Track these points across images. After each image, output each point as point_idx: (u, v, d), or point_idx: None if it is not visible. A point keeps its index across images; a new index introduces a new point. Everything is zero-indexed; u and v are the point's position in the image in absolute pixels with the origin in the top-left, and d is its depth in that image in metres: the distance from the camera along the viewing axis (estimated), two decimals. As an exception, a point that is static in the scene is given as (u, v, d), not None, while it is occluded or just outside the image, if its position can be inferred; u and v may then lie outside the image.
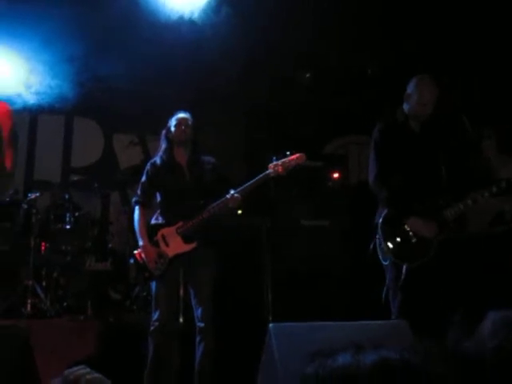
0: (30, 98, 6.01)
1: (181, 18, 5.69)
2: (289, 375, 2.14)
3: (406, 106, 3.99)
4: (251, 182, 4.01)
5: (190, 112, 4.32)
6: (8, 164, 3.28)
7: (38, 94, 6.02)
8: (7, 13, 5.23)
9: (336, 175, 6.66)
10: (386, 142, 3.96)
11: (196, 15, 5.72)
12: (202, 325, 3.97)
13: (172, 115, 4.30)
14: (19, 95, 5.80)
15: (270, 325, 2.35)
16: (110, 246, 5.92)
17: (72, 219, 5.64)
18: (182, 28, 5.72)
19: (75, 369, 1.40)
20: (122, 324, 5.15)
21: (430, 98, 3.88)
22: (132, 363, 4.31)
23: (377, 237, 3.89)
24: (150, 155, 7.05)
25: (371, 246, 3.93)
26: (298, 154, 4.04)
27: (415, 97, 3.89)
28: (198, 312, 3.99)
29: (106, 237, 6.03)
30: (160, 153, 4.23)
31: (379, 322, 3.00)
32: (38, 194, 5.51)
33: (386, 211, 3.85)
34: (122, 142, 7.16)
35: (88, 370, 1.40)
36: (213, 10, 5.64)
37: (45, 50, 5.53)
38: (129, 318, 5.42)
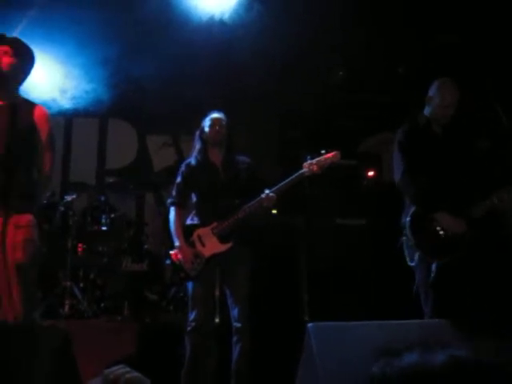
0: (66, 103, 6.09)
1: (211, 18, 5.71)
2: (329, 375, 2.12)
3: (427, 109, 4.01)
4: (286, 181, 3.99)
5: (223, 112, 4.32)
6: (47, 167, 3.31)
7: (73, 98, 6.09)
8: (42, 18, 5.31)
9: (371, 173, 6.60)
10: (411, 143, 3.95)
11: (227, 15, 5.73)
12: (238, 325, 3.96)
13: (205, 116, 4.30)
14: (54, 100, 5.88)
15: (309, 324, 2.32)
16: (145, 246, 5.96)
17: (108, 221, 5.70)
18: (214, 28, 5.74)
19: (115, 368, 1.40)
20: (159, 324, 5.17)
21: (451, 100, 3.90)
22: (169, 363, 4.33)
23: (403, 238, 3.86)
24: (183, 156, 7.08)
25: (398, 247, 3.90)
26: (332, 153, 4.01)
27: (437, 99, 3.91)
28: (235, 312, 3.98)
29: (142, 238, 6.07)
30: (194, 153, 4.23)
31: (419, 321, 2.95)
32: (74, 196, 5.59)
33: (413, 209, 3.81)
34: (156, 143, 7.20)
35: (127, 369, 1.40)
36: (244, 10, 5.64)
37: (79, 54, 5.59)
38: (165, 318, 5.44)
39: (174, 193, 4.23)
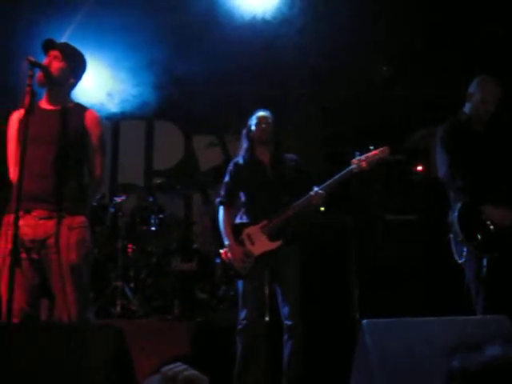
0: (113, 107, 6.19)
1: (254, 17, 5.72)
2: (385, 372, 2.09)
3: (468, 106, 3.99)
4: (335, 178, 3.95)
5: (269, 110, 4.31)
6: (97, 170, 3.37)
7: (120, 101, 6.19)
8: (90, 23, 5.40)
9: (419, 168, 6.50)
10: (452, 141, 3.91)
11: (269, 14, 5.73)
12: (289, 323, 3.95)
13: (251, 114, 4.30)
14: (102, 104, 5.97)
15: (364, 321, 2.30)
16: (194, 246, 6.01)
17: (157, 221, 5.77)
18: (257, 27, 5.74)
19: (172, 366, 1.41)
20: (210, 323, 5.19)
21: (492, 97, 3.88)
22: (220, 362, 4.34)
23: (450, 235, 3.80)
24: (229, 155, 7.10)
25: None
26: (381, 148, 3.96)
27: (477, 96, 3.90)
28: (285, 310, 3.97)
29: (191, 237, 6.12)
30: (242, 152, 4.23)
31: (475, 317, 2.88)
32: (123, 198, 5.68)
33: (460, 204, 3.75)
34: (202, 143, 7.25)
35: (185, 366, 1.41)
36: (286, 7, 5.63)
37: (126, 58, 5.67)
38: (216, 317, 5.46)
39: (222, 192, 4.24)
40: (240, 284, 4.04)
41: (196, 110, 6.94)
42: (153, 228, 5.77)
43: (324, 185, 3.94)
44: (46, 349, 2.33)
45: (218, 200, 4.26)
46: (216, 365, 4.30)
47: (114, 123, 7.17)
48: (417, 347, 2.13)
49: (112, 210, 5.71)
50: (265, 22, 5.76)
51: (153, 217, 5.77)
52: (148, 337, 4.73)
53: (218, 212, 4.28)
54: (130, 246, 5.78)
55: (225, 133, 7.20)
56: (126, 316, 5.32)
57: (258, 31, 5.79)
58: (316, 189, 3.92)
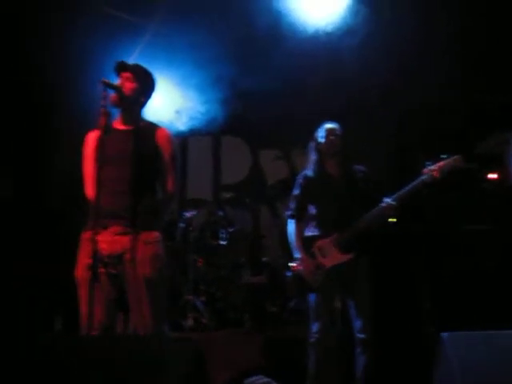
0: (181, 124, 6.32)
1: (317, 30, 5.73)
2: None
3: None
4: (406, 188, 3.89)
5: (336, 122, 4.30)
6: (170, 186, 3.45)
7: (188, 119, 6.31)
8: (157, 42, 5.55)
9: (493, 176, 6.30)
10: None
11: (333, 25, 5.72)
12: (362, 336, 3.90)
13: (316, 127, 4.30)
14: (171, 121, 6.10)
15: (444, 334, 2.24)
16: (264, 259, 6.03)
17: (226, 235, 5.82)
18: (320, 39, 5.75)
19: (254, 378, 1.41)
20: (281, 336, 5.18)
21: None
22: (291, 375, 4.32)
23: None
24: (295, 169, 7.11)
25: None
26: (454, 157, 3.88)
27: None
28: (358, 323, 3.92)
29: (260, 251, 6.14)
30: (310, 165, 4.22)
31: None
32: (194, 213, 5.77)
33: None
34: (268, 157, 7.28)
35: (267, 379, 1.41)
36: (351, 16, 5.62)
37: (194, 75, 5.78)
38: (287, 330, 5.45)
39: (292, 205, 4.24)
40: (311, 297, 4.02)
41: (262, 125, 6.99)
42: (222, 242, 5.83)
43: (395, 195, 3.89)
44: (125, 361, 2.38)
45: (287, 213, 4.26)
46: (288, 378, 4.28)
47: (182, 139, 7.30)
48: (500, 360, 2.06)
49: (182, 225, 5.80)
50: (328, 34, 5.76)
51: (222, 231, 5.83)
52: (219, 350, 4.77)
53: (287, 225, 4.28)
54: (200, 260, 5.85)
55: (291, 146, 7.21)
56: (198, 329, 5.38)
57: (322, 43, 5.80)
58: (387, 200, 3.88)
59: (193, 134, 6.95)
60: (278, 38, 5.69)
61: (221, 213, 6.00)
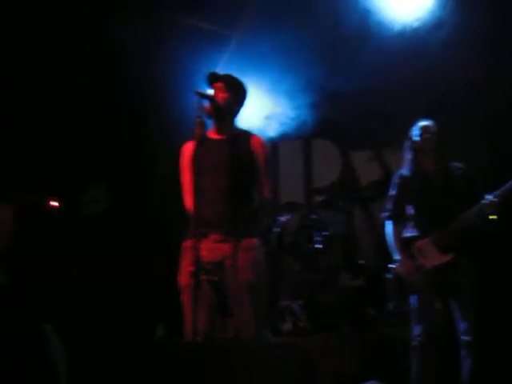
0: (271, 130, 6.37)
1: (404, 27, 5.64)
2: None
3: None
4: (508, 184, 3.75)
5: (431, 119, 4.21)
6: (267, 192, 3.50)
7: (279, 124, 6.35)
8: (245, 49, 5.62)
9: None
10: None
11: (421, 20, 5.61)
12: (467, 338, 3.79)
13: (407, 124, 4.23)
14: (261, 128, 6.15)
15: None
16: (360, 261, 5.97)
17: (321, 238, 5.80)
18: (407, 36, 5.65)
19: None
20: (381, 339, 5.11)
21: None
22: (393, 379, 4.27)
23: None
24: (388, 168, 6.98)
25: None
26: None
27: None
28: (462, 325, 3.82)
29: (356, 253, 6.09)
30: (406, 164, 4.16)
31: None
32: (288, 217, 5.80)
33: None
34: (360, 158, 7.20)
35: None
36: (439, 11, 5.48)
37: (282, 80, 5.82)
38: (386, 333, 5.36)
39: (389, 206, 4.19)
40: (413, 299, 3.95)
41: (352, 126, 6.93)
42: (318, 245, 5.81)
43: (497, 192, 3.76)
44: (231, 366, 2.42)
45: (385, 214, 4.21)
46: (388, 382, 4.22)
47: (273, 144, 7.34)
48: None
49: (276, 229, 5.84)
50: (415, 29, 5.65)
51: (317, 234, 5.82)
52: (319, 354, 4.75)
53: (384, 226, 4.23)
54: (296, 264, 5.86)
55: (382, 146, 7.09)
56: (296, 333, 5.39)
57: (408, 40, 5.70)
58: (489, 197, 3.75)
59: (283, 139, 6.98)
60: (364, 37, 5.64)
61: (315, 216, 6.00)
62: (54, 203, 6.79)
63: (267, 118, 6.35)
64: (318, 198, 6.75)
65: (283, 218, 5.86)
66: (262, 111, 6.28)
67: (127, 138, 6.99)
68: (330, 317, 5.66)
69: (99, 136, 6.64)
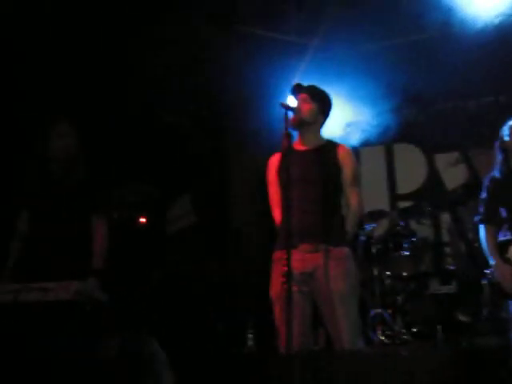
0: (353, 138, 6.33)
1: (486, 23, 5.48)
2: None
3: None
4: None
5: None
6: (355, 201, 3.47)
7: (361, 131, 6.31)
8: (324, 57, 5.62)
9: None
10: None
11: (503, 17, 5.44)
12: None
13: (494, 123, 4.10)
14: (342, 136, 6.12)
15: None
16: (451, 267, 5.81)
17: (409, 245, 5.69)
18: (491, 31, 5.49)
19: None
20: (476, 348, 4.94)
21: None
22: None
23: None
24: (475, 170, 6.78)
25: None
26: None
27: None
28: None
29: (445, 259, 5.94)
30: (497, 165, 4.03)
31: None
32: (375, 225, 5.73)
33: None
34: (445, 161, 7.02)
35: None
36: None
37: (363, 85, 5.76)
38: (482, 341, 5.18)
39: (481, 209, 4.05)
40: (511, 306, 3.80)
41: (435, 128, 6.78)
42: (406, 252, 5.70)
43: None
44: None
45: (477, 218, 4.08)
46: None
47: (355, 151, 7.27)
48: None
49: (363, 238, 5.78)
50: (497, 26, 5.49)
51: (405, 241, 5.71)
52: (413, 363, 4.64)
53: (476, 231, 4.10)
54: (385, 272, 5.77)
55: (468, 147, 6.90)
56: (388, 343, 5.30)
57: (492, 36, 5.53)
58: None
59: (365, 145, 6.91)
60: (448, 37, 5.52)
61: (402, 223, 5.89)
62: (143, 219, 7.00)
63: (348, 125, 6.32)
64: (403, 205, 6.61)
65: (369, 226, 5.80)
66: (343, 119, 6.23)
67: (209, 152, 7.13)
68: (423, 325, 5.53)
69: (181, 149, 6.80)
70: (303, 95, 3.47)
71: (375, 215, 6.06)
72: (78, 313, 3.23)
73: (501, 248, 3.86)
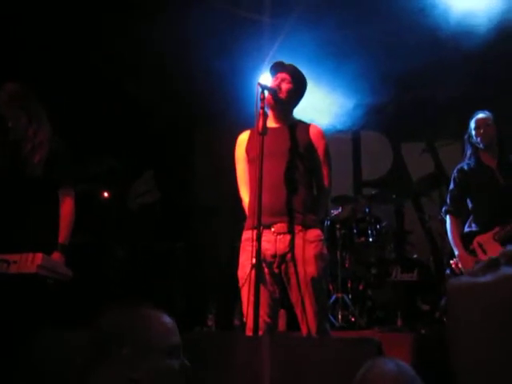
0: (321, 123, 6.31)
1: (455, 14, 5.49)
2: None
3: None
4: None
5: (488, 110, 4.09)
6: (326, 182, 3.43)
7: (327, 117, 6.29)
8: (303, 40, 5.57)
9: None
10: None
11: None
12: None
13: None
14: (312, 120, 6.09)
15: None
16: (414, 256, 5.89)
17: (374, 232, 5.73)
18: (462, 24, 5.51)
19: None
20: (434, 336, 5.01)
21: None
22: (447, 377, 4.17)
23: None
24: (440, 162, 6.86)
25: None
26: None
27: None
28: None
29: (407, 247, 6.00)
30: (466, 158, 4.07)
31: None
32: (339, 210, 5.74)
33: None
34: (411, 151, 7.08)
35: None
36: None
37: (332, 71, 5.74)
38: (440, 329, 5.26)
39: (448, 201, 4.10)
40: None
41: (403, 118, 6.81)
42: (370, 239, 5.75)
43: None
44: (303, 362, 2.37)
45: (444, 209, 4.13)
46: (441, 380, 4.14)
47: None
48: None
49: (328, 222, 5.79)
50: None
51: (369, 228, 5.75)
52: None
53: (441, 221, 4.15)
54: (347, 257, 5.81)
55: (434, 138, 6.96)
56: (348, 327, 5.34)
57: (462, 27, 5.54)
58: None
59: (331, 132, 6.90)
60: (417, 26, 5.51)
61: (367, 209, 5.93)
62: (105, 193, 6.88)
63: (315, 110, 6.28)
64: (368, 191, 6.65)
65: (335, 212, 5.82)
66: (310, 103, 6.20)
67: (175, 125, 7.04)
68: (383, 311, 5.60)
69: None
70: (284, 74, 3.39)
71: (340, 200, 6.07)
72: (40, 286, 3.14)
73: (466, 239, 3.92)
